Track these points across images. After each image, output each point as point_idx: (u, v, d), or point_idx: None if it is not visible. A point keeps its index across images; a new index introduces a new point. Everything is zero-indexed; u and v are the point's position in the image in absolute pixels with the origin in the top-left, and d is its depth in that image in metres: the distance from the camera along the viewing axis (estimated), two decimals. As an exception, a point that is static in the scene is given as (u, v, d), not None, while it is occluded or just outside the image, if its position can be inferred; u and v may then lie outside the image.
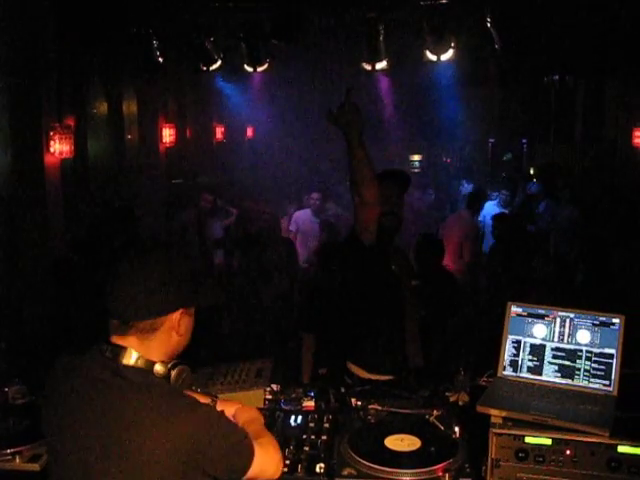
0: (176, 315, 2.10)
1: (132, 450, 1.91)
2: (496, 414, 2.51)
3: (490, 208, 9.54)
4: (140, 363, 2.05)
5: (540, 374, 2.79)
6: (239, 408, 2.52)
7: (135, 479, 1.93)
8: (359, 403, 3.12)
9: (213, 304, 2.26)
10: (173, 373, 2.11)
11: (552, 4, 7.94)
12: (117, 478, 1.93)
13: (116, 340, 2.08)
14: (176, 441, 1.92)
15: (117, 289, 2.05)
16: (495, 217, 8.20)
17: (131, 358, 2.05)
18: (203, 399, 2.60)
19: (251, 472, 2.12)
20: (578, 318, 2.80)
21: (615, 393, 2.65)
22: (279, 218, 9.31)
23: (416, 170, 16.33)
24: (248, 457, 2.11)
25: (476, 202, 9.25)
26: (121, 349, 2.05)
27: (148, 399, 1.97)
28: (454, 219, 9.14)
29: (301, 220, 9.11)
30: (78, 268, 6.68)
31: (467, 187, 11.97)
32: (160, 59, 8.93)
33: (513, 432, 2.46)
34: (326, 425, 2.87)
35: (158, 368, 2.08)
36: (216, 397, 2.66)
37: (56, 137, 7.24)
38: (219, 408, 2.58)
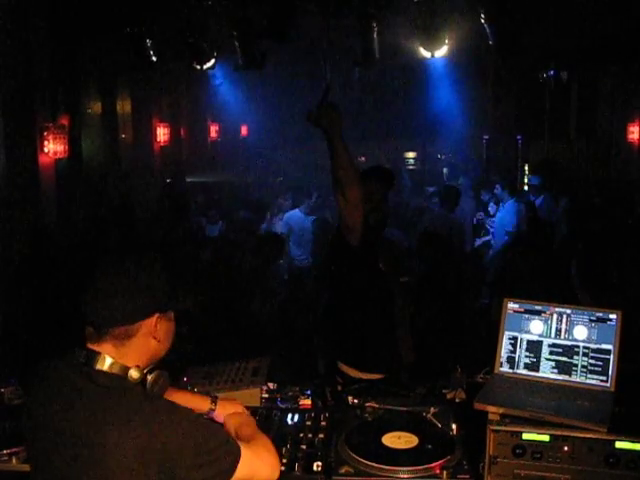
0: (152, 320, 2.07)
1: (101, 456, 1.88)
2: (493, 411, 2.50)
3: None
4: (114, 369, 2.02)
5: (537, 370, 2.79)
6: (228, 415, 2.51)
7: None
8: (356, 401, 3.12)
9: (190, 307, 2.23)
10: (149, 378, 2.05)
11: (546, 1, 7.95)
12: None
13: (91, 346, 2.05)
14: (145, 446, 1.88)
15: (90, 296, 2.03)
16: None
17: (105, 363, 2.01)
18: (202, 400, 2.60)
19: (238, 476, 2.07)
20: (575, 314, 2.80)
21: (612, 389, 2.65)
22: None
23: (411, 167, 16.34)
24: (231, 462, 2.06)
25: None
26: (95, 354, 2.02)
27: (117, 404, 1.95)
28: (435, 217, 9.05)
29: (293, 220, 9.10)
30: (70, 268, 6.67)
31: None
32: (154, 58, 8.91)
33: (510, 429, 2.46)
34: (323, 423, 2.87)
35: (132, 373, 2.03)
36: (216, 397, 2.65)
37: (50, 137, 7.22)
38: (219, 408, 2.58)
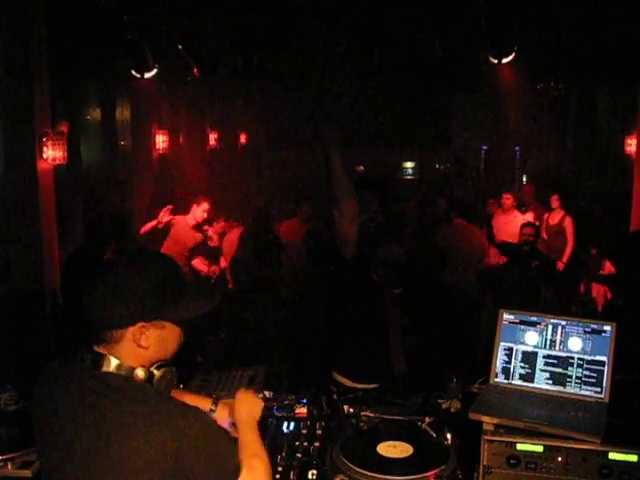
0: (135, 328, 2.03)
1: (120, 459, 1.88)
2: (488, 421, 2.52)
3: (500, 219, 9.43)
4: (121, 369, 2.03)
5: (532, 381, 2.80)
6: (240, 406, 2.41)
7: None
8: (351, 410, 3.13)
9: (188, 317, 2.16)
10: (156, 375, 2.07)
11: (545, 12, 7.98)
12: None
13: (96, 348, 2.06)
14: (159, 451, 1.87)
15: (87, 298, 2.04)
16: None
17: (111, 365, 2.02)
18: (203, 401, 2.60)
19: None
20: (570, 325, 2.82)
21: (606, 400, 2.67)
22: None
23: (409, 177, 16.36)
24: (233, 476, 2.02)
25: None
26: (100, 356, 2.03)
27: (131, 404, 1.94)
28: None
29: (289, 231, 9.00)
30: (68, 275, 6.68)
31: None
32: (153, 65, 8.93)
33: (505, 439, 2.47)
34: (319, 432, 2.88)
35: (138, 373, 2.04)
36: (217, 399, 2.66)
37: (49, 143, 7.22)
38: (219, 411, 2.59)
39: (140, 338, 2.04)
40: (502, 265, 7.60)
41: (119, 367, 2.03)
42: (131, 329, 2.04)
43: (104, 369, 2.02)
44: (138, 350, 2.05)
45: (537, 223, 8.71)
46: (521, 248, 7.33)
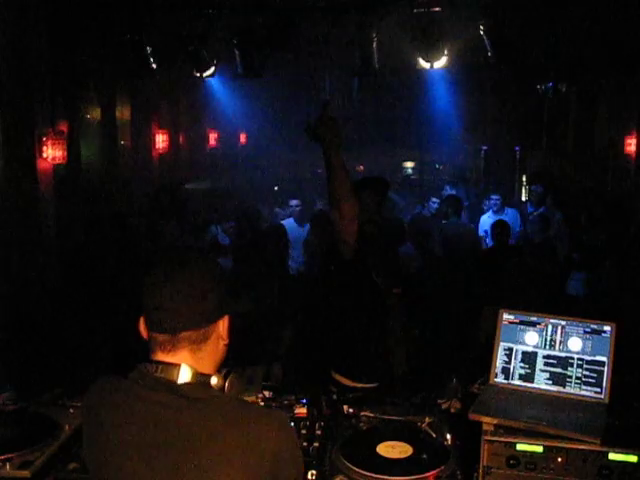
0: (223, 321, 1.99)
1: (213, 472, 1.78)
2: (488, 421, 2.51)
3: (485, 221, 9.44)
4: (196, 378, 1.91)
5: (532, 381, 2.80)
6: None
7: None
8: (351, 410, 3.12)
9: (246, 311, 2.15)
10: (227, 383, 1.99)
11: (545, 13, 7.99)
12: None
13: (163, 357, 1.93)
14: (257, 456, 1.80)
15: (163, 300, 1.89)
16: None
17: (186, 375, 1.90)
18: None
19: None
20: (570, 326, 2.81)
21: (606, 400, 2.66)
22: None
23: (411, 176, 16.32)
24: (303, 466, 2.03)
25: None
26: (172, 366, 1.90)
27: (215, 414, 1.84)
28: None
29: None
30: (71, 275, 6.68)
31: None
32: (154, 65, 8.94)
33: (505, 439, 2.47)
34: (318, 432, 2.87)
35: (215, 381, 1.95)
36: None
37: (49, 143, 7.22)
38: None
39: (225, 331, 2.00)
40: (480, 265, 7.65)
41: (194, 376, 1.91)
42: (220, 322, 1.98)
43: (179, 380, 1.89)
44: (219, 346, 2.00)
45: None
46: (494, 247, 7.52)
